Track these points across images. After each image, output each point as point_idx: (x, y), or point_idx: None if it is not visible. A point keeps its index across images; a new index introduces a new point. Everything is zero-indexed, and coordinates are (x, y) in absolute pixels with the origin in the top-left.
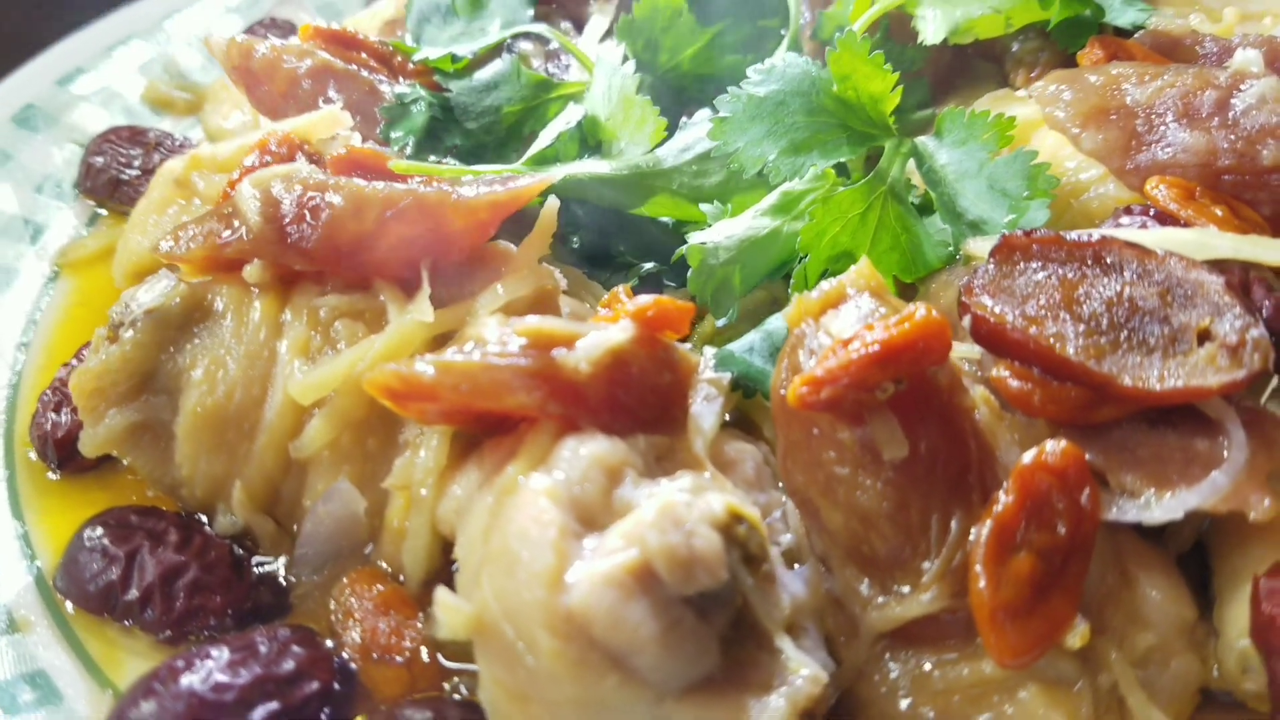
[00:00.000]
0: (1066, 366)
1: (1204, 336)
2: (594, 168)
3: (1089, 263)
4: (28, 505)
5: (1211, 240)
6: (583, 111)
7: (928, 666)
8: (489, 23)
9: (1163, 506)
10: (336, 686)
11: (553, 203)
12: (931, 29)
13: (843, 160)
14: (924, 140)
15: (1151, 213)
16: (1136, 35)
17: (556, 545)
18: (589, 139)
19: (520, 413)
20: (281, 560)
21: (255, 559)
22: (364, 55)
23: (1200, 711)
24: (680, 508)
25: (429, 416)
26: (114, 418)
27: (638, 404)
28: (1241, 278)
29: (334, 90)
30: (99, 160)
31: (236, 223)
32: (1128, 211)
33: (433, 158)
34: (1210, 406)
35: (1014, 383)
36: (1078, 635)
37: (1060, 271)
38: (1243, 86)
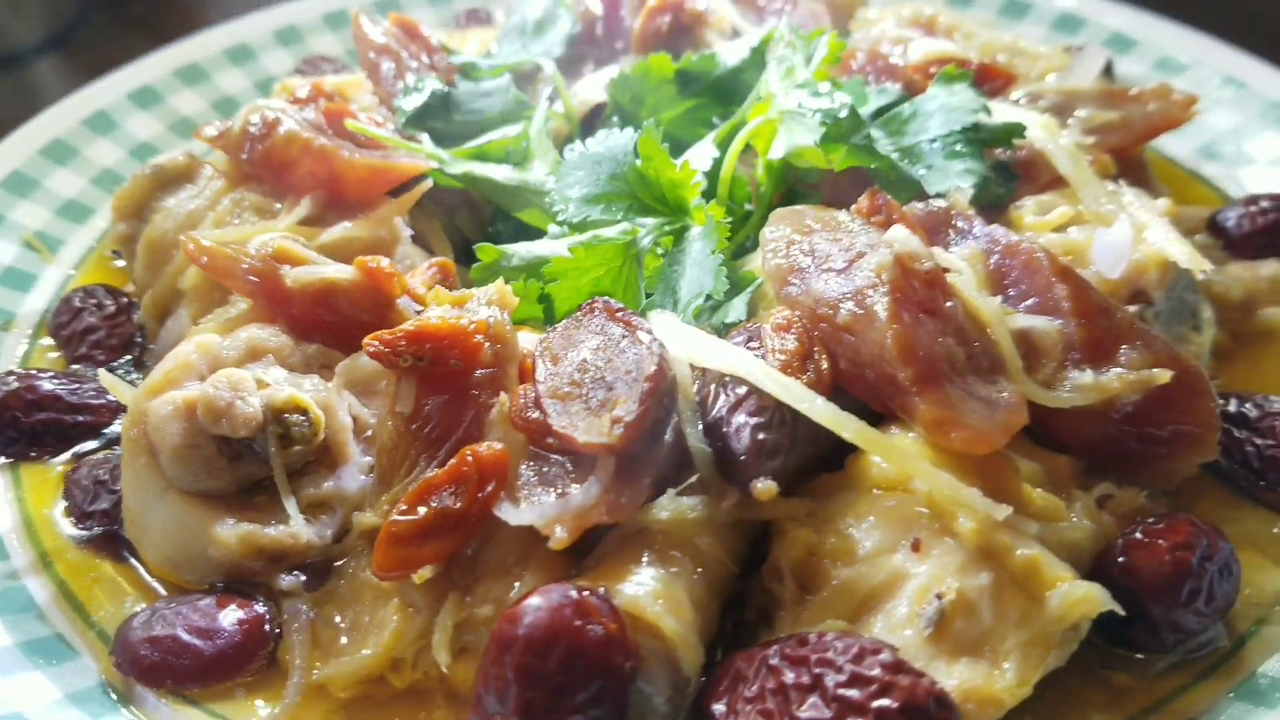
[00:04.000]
0: (538, 399)
1: (614, 408)
2: (492, 172)
3: (617, 336)
4: (82, 272)
5: (741, 363)
6: (519, 130)
7: (364, 563)
8: (536, 48)
9: (516, 514)
10: (106, 430)
11: (425, 183)
12: (775, 147)
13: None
14: (694, 229)
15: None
16: (917, 205)
17: (170, 372)
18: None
19: (242, 294)
20: None
21: (144, 344)
22: (419, 47)
23: None
24: (245, 380)
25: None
26: (118, 227)
27: (335, 326)
28: (742, 397)
29: (386, 65)
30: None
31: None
32: (745, 328)
33: (425, 135)
34: (601, 460)
35: (519, 399)
36: (419, 576)
37: (593, 334)
38: (869, 255)
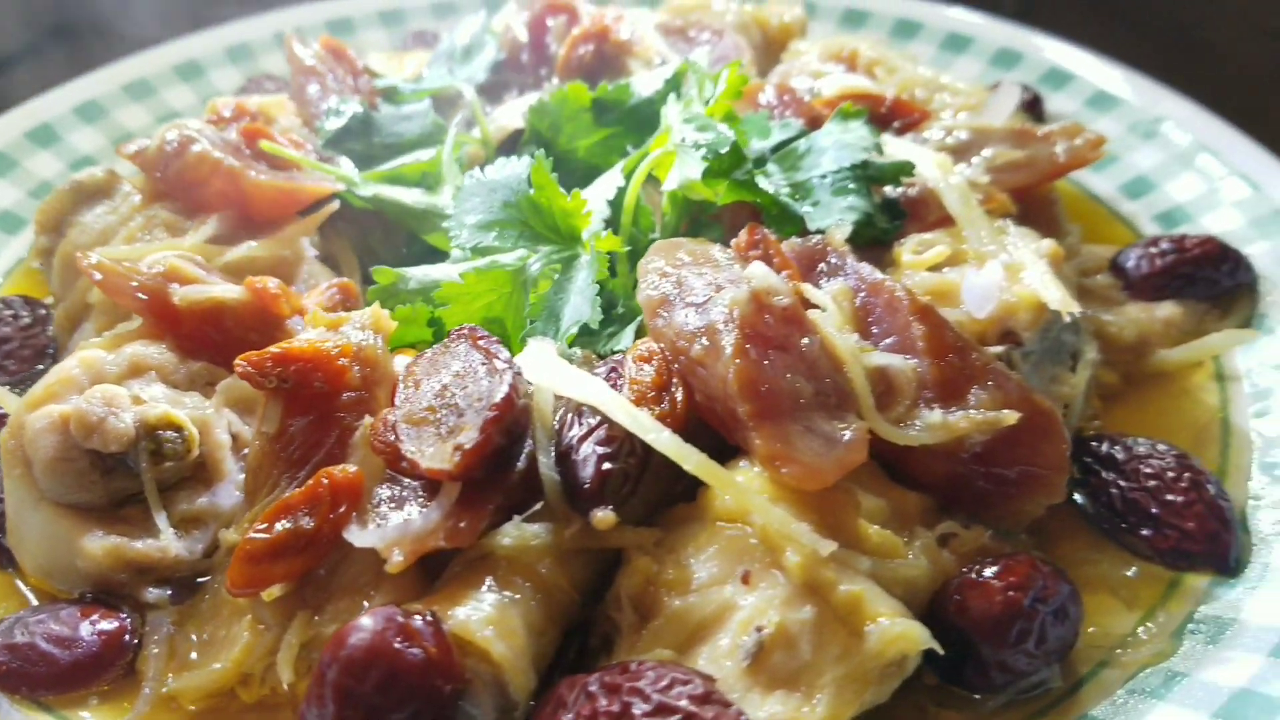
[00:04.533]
0: (394, 423)
1: (460, 434)
2: (401, 195)
3: (476, 363)
4: (10, 282)
5: (595, 393)
6: (430, 155)
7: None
8: (462, 73)
9: (360, 535)
10: None
11: (331, 205)
12: (669, 178)
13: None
14: (581, 258)
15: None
16: (796, 240)
17: (51, 386)
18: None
19: (133, 311)
20: None
21: (56, 356)
22: (345, 70)
23: None
24: (119, 396)
25: None
26: (39, 240)
27: (224, 345)
28: (594, 426)
29: (311, 86)
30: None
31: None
32: (612, 358)
33: (342, 157)
34: (446, 485)
35: (379, 422)
36: (268, 594)
37: (457, 361)
38: (727, 290)
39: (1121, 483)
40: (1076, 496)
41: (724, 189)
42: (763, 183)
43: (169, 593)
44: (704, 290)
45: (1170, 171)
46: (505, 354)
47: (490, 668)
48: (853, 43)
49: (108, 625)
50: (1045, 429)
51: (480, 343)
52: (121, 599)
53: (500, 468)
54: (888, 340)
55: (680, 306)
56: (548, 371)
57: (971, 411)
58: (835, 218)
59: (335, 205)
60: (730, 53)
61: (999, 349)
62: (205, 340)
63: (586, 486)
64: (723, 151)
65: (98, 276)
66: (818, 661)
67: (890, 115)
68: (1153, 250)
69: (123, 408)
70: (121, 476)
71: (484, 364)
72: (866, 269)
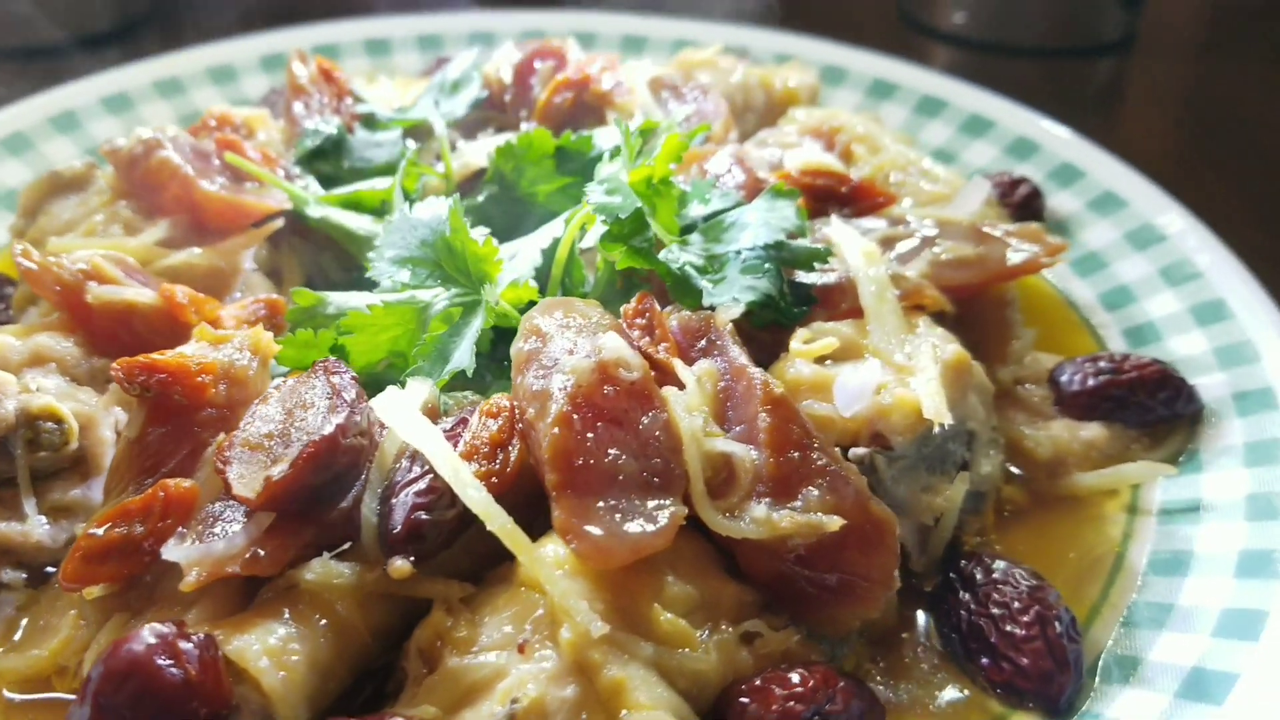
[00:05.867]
0: (232, 446)
1: (277, 465)
2: (347, 220)
3: (324, 397)
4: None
5: (427, 442)
6: (387, 184)
7: None
8: (446, 107)
9: (171, 550)
10: None
11: (276, 222)
12: (588, 235)
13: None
14: (486, 302)
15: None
16: (684, 313)
17: None
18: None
19: (49, 303)
20: None
21: None
22: (332, 92)
23: None
24: (6, 383)
25: None
26: (16, 221)
27: (134, 346)
28: (419, 475)
29: (297, 104)
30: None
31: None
32: (467, 407)
33: (309, 176)
34: (257, 514)
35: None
36: (88, 593)
37: (310, 391)
38: (574, 357)
39: (973, 605)
40: (920, 613)
41: (620, 253)
42: (677, 250)
43: (24, 576)
44: (559, 354)
45: (1153, 286)
46: (353, 392)
47: (260, 697)
48: (843, 118)
49: None
50: (874, 540)
51: (333, 378)
52: None
53: (316, 502)
54: (739, 428)
55: (536, 367)
56: (392, 413)
57: (796, 511)
58: (731, 295)
59: (280, 223)
60: (708, 113)
61: (863, 451)
62: (114, 339)
63: (395, 532)
64: (622, 216)
65: (25, 265)
66: None
67: (850, 197)
68: (1089, 368)
69: (8, 394)
70: None
71: (327, 399)
72: (735, 352)
